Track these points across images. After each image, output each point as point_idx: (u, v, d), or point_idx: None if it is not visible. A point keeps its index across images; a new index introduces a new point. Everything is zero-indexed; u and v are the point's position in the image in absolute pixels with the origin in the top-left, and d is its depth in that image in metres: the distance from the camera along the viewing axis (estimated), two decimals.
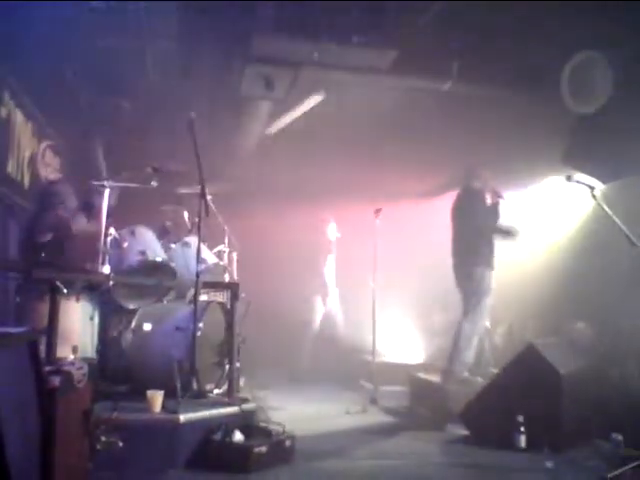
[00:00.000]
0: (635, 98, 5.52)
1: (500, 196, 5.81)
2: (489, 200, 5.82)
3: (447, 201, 6.74)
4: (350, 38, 5.83)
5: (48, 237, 4.85)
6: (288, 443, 4.10)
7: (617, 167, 6.26)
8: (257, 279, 7.45)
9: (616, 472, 3.82)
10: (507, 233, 5.71)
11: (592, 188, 4.19)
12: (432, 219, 7.74)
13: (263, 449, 3.88)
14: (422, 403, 5.79)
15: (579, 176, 4.42)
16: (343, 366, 7.21)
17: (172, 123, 6.72)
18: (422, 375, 6.05)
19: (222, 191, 6.82)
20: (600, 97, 5.66)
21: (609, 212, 4.22)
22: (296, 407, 5.80)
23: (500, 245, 5.92)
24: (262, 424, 4.37)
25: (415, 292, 7.91)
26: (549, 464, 4.14)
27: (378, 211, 6.54)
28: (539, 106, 6.21)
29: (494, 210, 5.76)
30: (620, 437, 4.31)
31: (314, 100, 6.86)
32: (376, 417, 5.65)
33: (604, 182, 6.26)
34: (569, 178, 4.27)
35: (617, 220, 4.20)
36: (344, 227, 8.01)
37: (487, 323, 5.92)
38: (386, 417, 5.70)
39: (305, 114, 7.35)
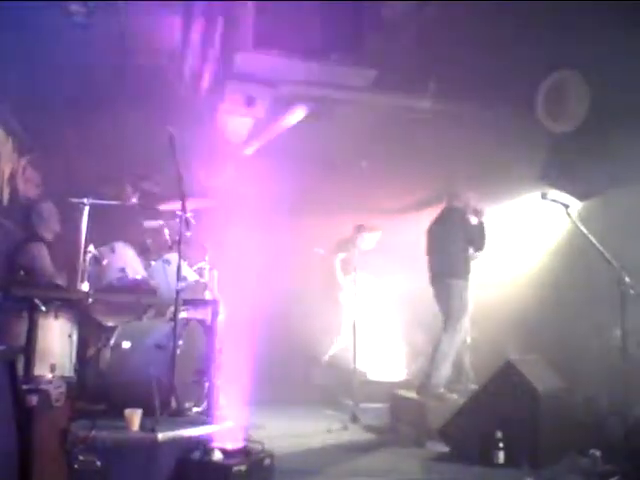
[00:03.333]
0: (611, 117, 5.65)
1: (484, 214, 5.89)
2: (474, 220, 5.89)
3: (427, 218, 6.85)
4: (329, 55, 5.91)
5: (27, 258, 4.82)
6: (267, 461, 4.07)
7: (593, 185, 6.38)
8: (242, 295, 7.48)
9: None
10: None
11: (567, 206, 4.27)
12: (415, 236, 7.80)
13: (242, 468, 3.82)
14: (403, 420, 5.80)
15: (554, 194, 4.51)
16: (325, 384, 7.20)
17: (153, 140, 6.72)
18: (403, 392, 6.07)
19: (203, 207, 6.84)
20: (576, 116, 5.79)
21: (584, 230, 4.30)
22: (277, 425, 5.76)
23: (480, 262, 6.01)
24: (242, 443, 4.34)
25: (400, 310, 7.94)
26: None
27: (359, 227, 6.58)
28: (516, 124, 6.31)
29: (480, 229, 5.84)
30: (598, 453, 4.36)
31: (295, 117, 6.90)
32: (357, 435, 5.65)
33: (580, 200, 6.38)
34: (544, 195, 4.35)
35: (592, 238, 4.28)
36: (326, 243, 8.03)
37: (468, 339, 5.96)
38: (367, 434, 5.69)
39: (286, 130, 7.40)
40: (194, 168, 7.75)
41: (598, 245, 4.25)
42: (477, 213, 5.87)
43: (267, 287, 7.91)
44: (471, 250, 5.88)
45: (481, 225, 5.84)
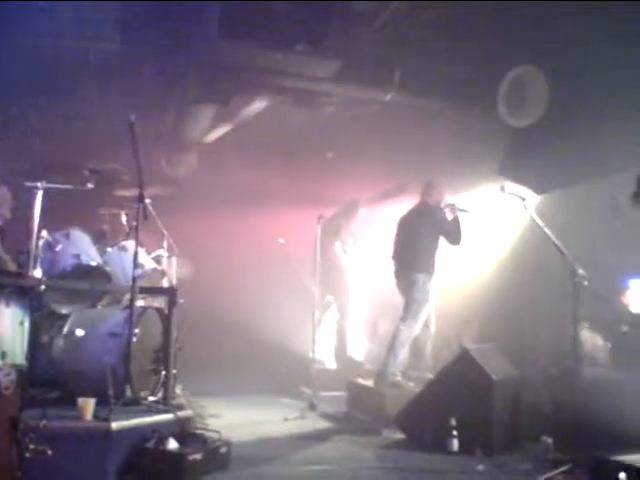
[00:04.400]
0: (568, 113, 5.75)
1: (460, 210, 5.93)
2: (449, 215, 5.94)
3: (390, 208, 6.89)
4: (294, 46, 5.87)
5: None
6: (224, 450, 4.07)
7: (551, 179, 6.49)
8: (200, 284, 7.41)
9: (546, 475, 3.96)
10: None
11: (523, 199, 4.34)
12: (378, 226, 7.87)
13: (198, 456, 3.84)
14: (360, 408, 5.85)
15: (512, 187, 4.59)
16: (283, 372, 7.19)
17: (112, 125, 6.61)
18: (360, 380, 6.11)
19: (162, 194, 6.75)
20: (535, 111, 5.87)
21: (540, 223, 4.39)
22: (234, 414, 5.75)
23: (446, 254, 6.08)
24: (198, 431, 4.32)
25: (361, 297, 7.97)
26: (480, 467, 4.26)
27: (320, 217, 6.58)
28: (477, 118, 6.39)
29: (456, 224, 5.89)
30: (550, 440, 4.46)
31: (258, 106, 6.85)
32: (314, 423, 5.66)
33: (538, 193, 6.50)
34: (502, 189, 4.42)
35: (547, 231, 4.37)
36: (287, 233, 8.01)
37: (433, 329, 6.04)
38: (324, 423, 5.72)
39: (249, 119, 7.35)
40: (155, 155, 7.67)
41: (553, 237, 4.34)
42: (451, 208, 5.93)
43: (227, 276, 7.89)
44: (445, 244, 5.95)
45: (456, 220, 5.90)
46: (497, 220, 6.96)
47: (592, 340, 5.30)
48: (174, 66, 6.31)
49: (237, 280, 7.96)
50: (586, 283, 4.20)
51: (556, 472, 3.97)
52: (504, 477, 4.15)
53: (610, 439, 3.87)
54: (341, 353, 7.47)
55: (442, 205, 6.00)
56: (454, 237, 5.86)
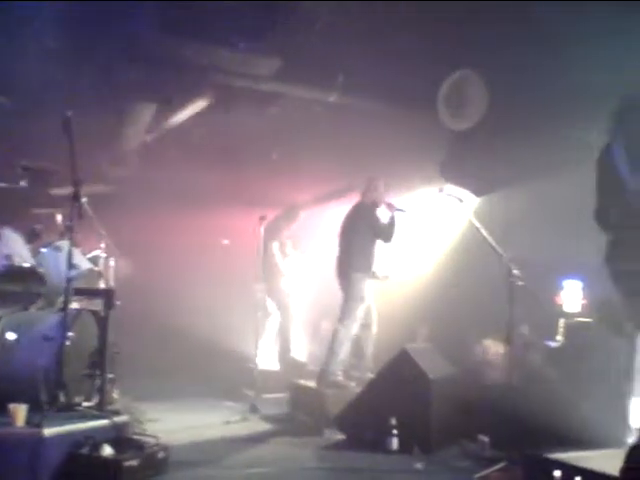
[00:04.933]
0: (507, 117, 5.89)
1: (397, 209, 5.95)
2: (385, 213, 5.97)
3: (335, 209, 6.90)
4: (237, 44, 5.83)
5: None
6: (161, 455, 3.99)
7: (490, 181, 6.64)
8: (141, 286, 7.27)
9: (482, 473, 4.04)
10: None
11: (461, 201, 4.42)
12: (322, 226, 7.88)
13: (134, 462, 3.76)
14: (302, 409, 5.84)
15: (450, 189, 4.66)
16: (226, 375, 7.12)
17: (48, 122, 6.39)
18: (302, 381, 6.11)
19: (103, 193, 6.58)
20: (474, 114, 5.99)
21: (477, 224, 4.47)
22: (174, 418, 5.65)
23: (385, 255, 6.13)
24: (135, 437, 4.23)
25: (303, 299, 7.97)
26: (419, 465, 4.31)
27: (263, 218, 6.55)
28: (419, 120, 6.47)
29: (390, 223, 5.92)
30: (486, 439, 4.55)
31: (200, 104, 6.77)
32: (256, 425, 5.63)
33: (477, 195, 6.63)
34: (441, 190, 4.49)
35: (484, 232, 4.45)
36: (231, 234, 7.95)
37: (374, 329, 6.07)
38: (266, 425, 5.68)
39: (192, 118, 7.25)
40: (95, 153, 7.47)
41: (489, 238, 4.43)
42: (389, 207, 5.96)
43: (168, 278, 7.76)
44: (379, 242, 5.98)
45: (392, 218, 5.92)
46: (439, 221, 7.08)
47: (494, 348, 5.48)
48: (113, 63, 6.18)
49: (179, 281, 7.84)
50: (520, 283, 4.30)
51: (491, 470, 4.05)
52: (442, 475, 4.20)
53: (544, 437, 3.98)
54: (284, 354, 7.45)
55: (380, 203, 6.02)
56: (386, 235, 5.90)
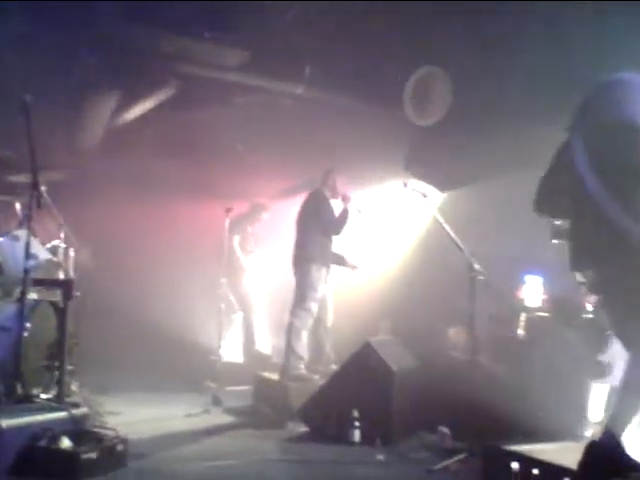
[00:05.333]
0: (472, 113, 5.95)
1: (353, 205, 5.92)
2: (339, 205, 5.95)
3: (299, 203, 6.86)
4: (203, 33, 5.76)
5: None
6: (120, 448, 3.95)
7: (455, 177, 6.71)
8: (103, 277, 7.14)
9: (442, 464, 4.09)
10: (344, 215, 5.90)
11: (425, 196, 4.45)
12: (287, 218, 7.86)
13: (92, 455, 3.72)
14: (265, 402, 5.83)
15: (414, 183, 4.70)
16: (189, 368, 7.06)
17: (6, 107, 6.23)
18: (266, 374, 6.10)
19: (64, 182, 6.44)
20: (439, 110, 6.04)
21: (440, 219, 4.52)
22: (136, 411, 5.58)
23: (345, 248, 6.14)
24: (93, 429, 4.18)
25: (269, 290, 7.94)
26: (380, 457, 4.35)
27: (228, 210, 6.50)
28: (385, 115, 6.50)
29: (343, 215, 5.90)
30: (446, 430, 4.61)
31: (164, 94, 6.67)
32: (218, 418, 5.59)
33: (442, 191, 6.70)
34: (405, 185, 4.52)
35: (447, 227, 4.50)
36: (195, 225, 7.86)
37: (329, 323, 6.08)
38: (228, 417, 5.65)
39: (156, 107, 7.14)
40: (54, 140, 7.30)
41: (452, 233, 4.48)
42: (344, 198, 5.93)
43: (131, 269, 7.64)
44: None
45: (345, 212, 5.89)
46: (403, 216, 7.12)
47: (455, 338, 5.57)
48: (75, 49, 6.04)
49: (142, 273, 7.72)
50: (481, 277, 4.36)
51: (451, 461, 4.11)
52: (402, 466, 4.24)
53: (505, 429, 4.04)
54: (249, 347, 7.43)
55: (336, 195, 6.00)
56: (333, 228, 5.87)
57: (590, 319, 3.94)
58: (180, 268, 7.89)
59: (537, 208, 3.34)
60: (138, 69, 6.07)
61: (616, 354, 3.19)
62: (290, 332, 5.74)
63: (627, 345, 3.09)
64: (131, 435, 4.09)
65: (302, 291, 5.78)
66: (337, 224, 5.85)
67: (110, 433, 4.02)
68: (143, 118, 7.42)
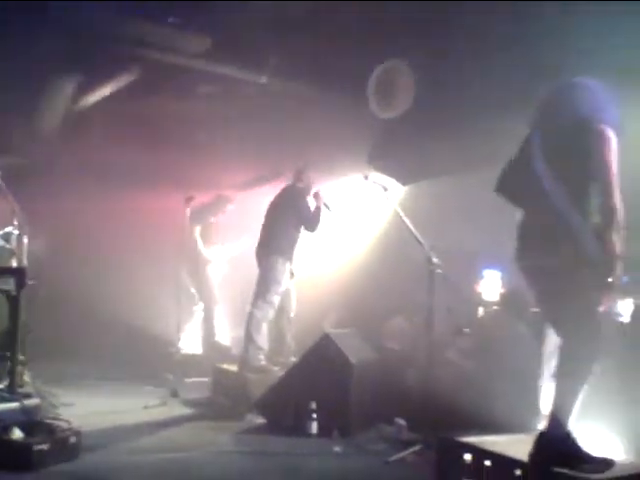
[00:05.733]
0: (435, 106, 5.98)
1: (324, 202, 5.90)
2: (312, 203, 5.94)
3: (264, 193, 6.82)
4: (165, 19, 5.67)
5: None
6: (73, 439, 3.90)
7: (416, 170, 6.74)
8: (59, 265, 7.00)
9: (397, 455, 4.12)
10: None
11: (385, 189, 4.46)
12: (247, 212, 7.81)
13: (44, 446, 3.69)
14: (224, 393, 5.78)
15: (375, 176, 4.70)
16: (146, 359, 6.97)
17: None
18: (225, 365, 6.05)
19: (16, 166, 6.27)
20: (402, 104, 6.06)
21: (400, 212, 4.53)
22: (91, 402, 5.50)
23: (308, 241, 6.13)
24: (46, 420, 4.12)
25: (231, 282, 7.88)
26: (337, 448, 4.36)
27: (189, 199, 6.41)
28: (349, 107, 6.48)
29: (316, 213, 5.89)
30: (403, 422, 4.65)
31: (125, 79, 6.54)
32: (175, 410, 5.53)
33: (403, 184, 6.73)
34: (366, 177, 4.52)
35: (406, 220, 4.52)
36: (155, 214, 7.75)
37: (292, 314, 6.07)
38: (186, 409, 5.60)
39: (117, 94, 7.00)
40: (10, 124, 7.12)
41: (411, 227, 4.50)
42: (316, 196, 5.92)
43: (88, 258, 7.51)
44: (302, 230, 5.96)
45: (318, 209, 5.90)
46: (366, 208, 7.14)
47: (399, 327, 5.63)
48: (33, 32, 5.88)
49: (98, 262, 7.59)
50: (439, 271, 4.39)
51: (406, 452, 4.15)
52: (358, 458, 4.26)
53: (459, 421, 4.09)
54: (208, 338, 7.36)
55: (310, 192, 6.00)
56: (310, 225, 5.86)
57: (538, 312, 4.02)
58: (139, 258, 7.77)
59: (499, 188, 3.39)
60: (97, 53, 5.93)
61: (551, 346, 3.28)
62: (250, 323, 5.71)
63: (561, 334, 3.18)
64: (85, 427, 4.05)
65: (266, 283, 5.75)
66: (313, 221, 5.85)
67: (63, 425, 3.98)
68: (103, 104, 7.28)
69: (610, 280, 2.97)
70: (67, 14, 5.43)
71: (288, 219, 5.88)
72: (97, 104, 7.25)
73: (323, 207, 5.90)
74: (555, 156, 3.16)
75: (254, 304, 5.76)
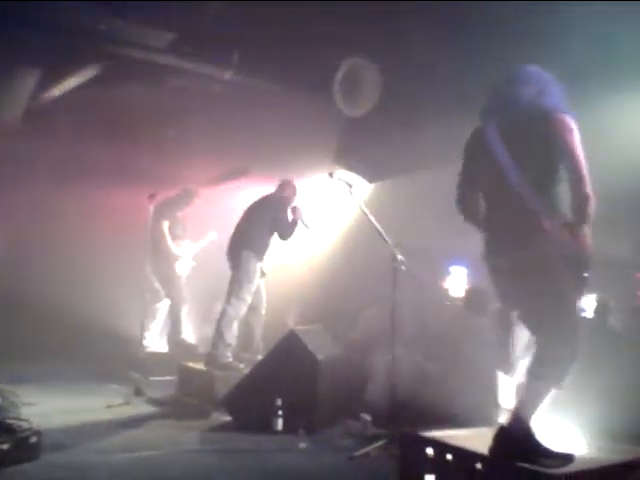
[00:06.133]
0: (400, 104, 6.01)
1: (301, 218, 5.93)
2: (290, 215, 5.96)
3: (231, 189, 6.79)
4: (128, 13, 5.59)
5: None
6: (34, 439, 3.82)
7: (382, 168, 6.79)
8: (17, 262, 6.85)
9: (362, 450, 4.14)
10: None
11: (350, 186, 4.47)
12: (214, 208, 7.78)
13: (4, 447, 3.61)
14: (190, 391, 5.77)
15: (341, 174, 4.71)
16: (110, 357, 6.88)
17: None
18: (190, 364, 6.02)
19: None
20: (368, 102, 6.08)
21: (365, 209, 4.55)
22: (53, 402, 5.41)
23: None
24: (6, 420, 4.01)
25: (196, 279, 7.83)
26: (302, 445, 4.36)
27: (152, 196, 6.34)
28: (314, 105, 6.49)
29: (292, 225, 5.93)
30: (368, 417, 4.68)
31: (88, 74, 6.43)
32: (140, 409, 5.47)
33: (370, 182, 6.77)
34: (331, 175, 4.53)
35: (371, 217, 4.54)
36: (119, 211, 7.65)
37: (263, 311, 6.06)
38: (150, 408, 5.54)
39: (80, 88, 6.88)
40: None
41: (376, 224, 4.52)
42: (295, 211, 5.97)
43: (49, 254, 7.37)
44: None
45: (294, 222, 5.95)
46: (331, 206, 7.16)
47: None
48: None
49: (60, 259, 7.46)
50: (404, 268, 4.42)
51: (370, 447, 4.17)
52: (324, 453, 4.27)
53: (423, 415, 4.14)
54: (174, 337, 7.30)
55: (290, 203, 6.07)
56: (284, 236, 5.95)
57: (500, 308, 4.06)
58: (101, 255, 7.68)
59: (460, 211, 3.37)
60: (60, 47, 5.82)
61: (522, 343, 3.27)
62: (222, 320, 5.72)
63: (533, 330, 3.16)
64: (46, 427, 3.99)
65: (239, 281, 5.78)
66: (287, 233, 5.92)
67: (23, 424, 3.88)
68: (66, 98, 7.14)
69: (586, 275, 2.95)
70: (29, 7, 5.31)
71: (264, 225, 5.96)
72: (60, 98, 7.12)
73: (300, 222, 5.97)
74: (515, 148, 3.10)
75: (227, 302, 5.78)
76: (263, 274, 6.08)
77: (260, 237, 5.95)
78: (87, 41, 5.77)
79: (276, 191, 6.21)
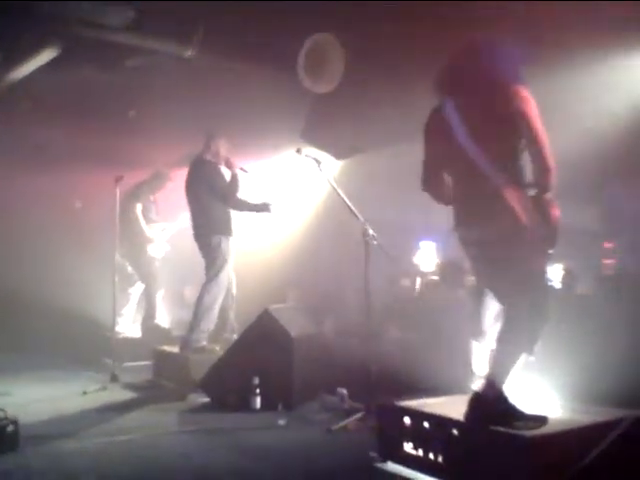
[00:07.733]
0: (365, 80, 5.99)
1: (238, 168, 5.75)
2: (227, 171, 5.77)
3: None
4: None
5: None
6: (10, 429, 3.79)
7: (350, 145, 6.77)
8: None
9: (340, 424, 4.20)
10: (255, 207, 5.79)
11: (319, 162, 4.47)
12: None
13: None
14: (165, 375, 5.77)
15: (308, 150, 4.69)
16: (83, 344, 6.83)
17: None
18: (166, 348, 6.00)
19: None
20: (333, 78, 6.04)
21: (334, 185, 4.56)
22: (28, 390, 5.39)
23: (244, 216, 6.08)
24: None
25: (170, 264, 7.77)
26: (281, 421, 4.41)
27: (119, 179, 6.23)
28: (280, 81, 6.42)
29: (233, 182, 5.74)
30: (345, 391, 4.74)
31: (47, 55, 6.26)
32: (116, 394, 5.46)
33: (338, 158, 6.76)
34: (299, 151, 4.51)
35: (341, 193, 4.55)
36: (85, 195, 7.54)
37: (234, 291, 6.02)
38: (127, 393, 5.53)
39: (40, 70, 6.70)
40: None
41: (346, 200, 4.54)
42: (229, 164, 5.75)
43: (16, 241, 7.24)
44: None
45: (234, 177, 5.73)
46: (303, 183, 7.15)
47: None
48: None
49: (28, 245, 7.33)
50: (375, 242, 4.45)
51: (348, 420, 4.24)
52: (302, 428, 4.31)
53: (398, 386, 4.21)
54: (147, 321, 7.25)
55: (221, 160, 5.81)
56: (228, 198, 5.64)
57: (473, 281, 4.12)
58: (70, 239, 7.56)
59: (426, 191, 3.38)
60: (14, 29, 5.65)
61: (492, 310, 3.34)
62: (200, 304, 5.60)
63: (501, 299, 3.22)
64: (22, 416, 3.93)
65: (215, 265, 5.62)
66: (232, 191, 5.67)
67: None
68: (24, 82, 6.95)
69: (551, 246, 2.99)
70: None
71: (209, 195, 5.67)
72: (20, 82, 6.93)
73: (239, 173, 5.70)
74: (474, 123, 3.10)
75: (205, 287, 5.63)
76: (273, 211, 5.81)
77: (214, 212, 5.65)
78: (41, 21, 5.60)
79: (199, 155, 5.85)
